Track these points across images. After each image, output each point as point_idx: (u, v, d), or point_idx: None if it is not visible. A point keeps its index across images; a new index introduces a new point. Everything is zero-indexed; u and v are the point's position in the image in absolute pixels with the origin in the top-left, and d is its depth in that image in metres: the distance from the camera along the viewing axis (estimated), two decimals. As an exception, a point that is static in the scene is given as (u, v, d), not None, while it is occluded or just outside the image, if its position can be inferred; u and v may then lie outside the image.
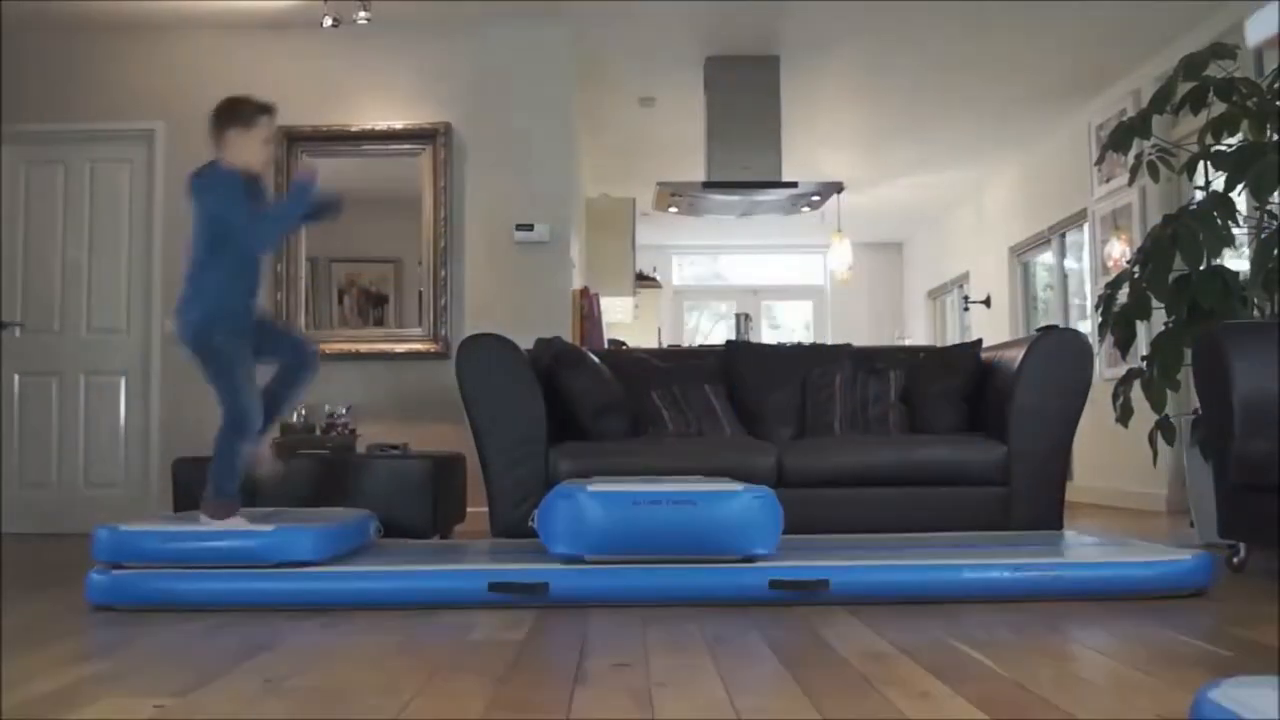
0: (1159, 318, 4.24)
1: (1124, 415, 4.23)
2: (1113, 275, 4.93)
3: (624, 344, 7.21)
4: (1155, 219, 5.01)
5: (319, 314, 5.40)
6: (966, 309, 9.29)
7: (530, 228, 5.32)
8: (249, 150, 3.18)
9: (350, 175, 5.44)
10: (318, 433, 4.50)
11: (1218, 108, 4.01)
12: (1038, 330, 4.13)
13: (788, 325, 11.51)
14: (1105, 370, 5.74)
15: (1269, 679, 1.14)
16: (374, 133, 5.36)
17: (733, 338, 8.10)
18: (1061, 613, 2.50)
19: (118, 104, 5.41)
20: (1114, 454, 5.85)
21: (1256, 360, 3.24)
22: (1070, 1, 5.17)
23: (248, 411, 3.03)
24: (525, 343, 4.15)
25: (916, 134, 7.43)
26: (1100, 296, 4.44)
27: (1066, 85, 6.35)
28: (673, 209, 6.75)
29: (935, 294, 10.36)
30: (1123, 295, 4.25)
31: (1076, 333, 4.05)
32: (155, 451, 5.22)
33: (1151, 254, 4.05)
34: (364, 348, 5.31)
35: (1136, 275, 4.17)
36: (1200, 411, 3.75)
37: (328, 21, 5.06)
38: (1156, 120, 4.35)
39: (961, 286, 9.55)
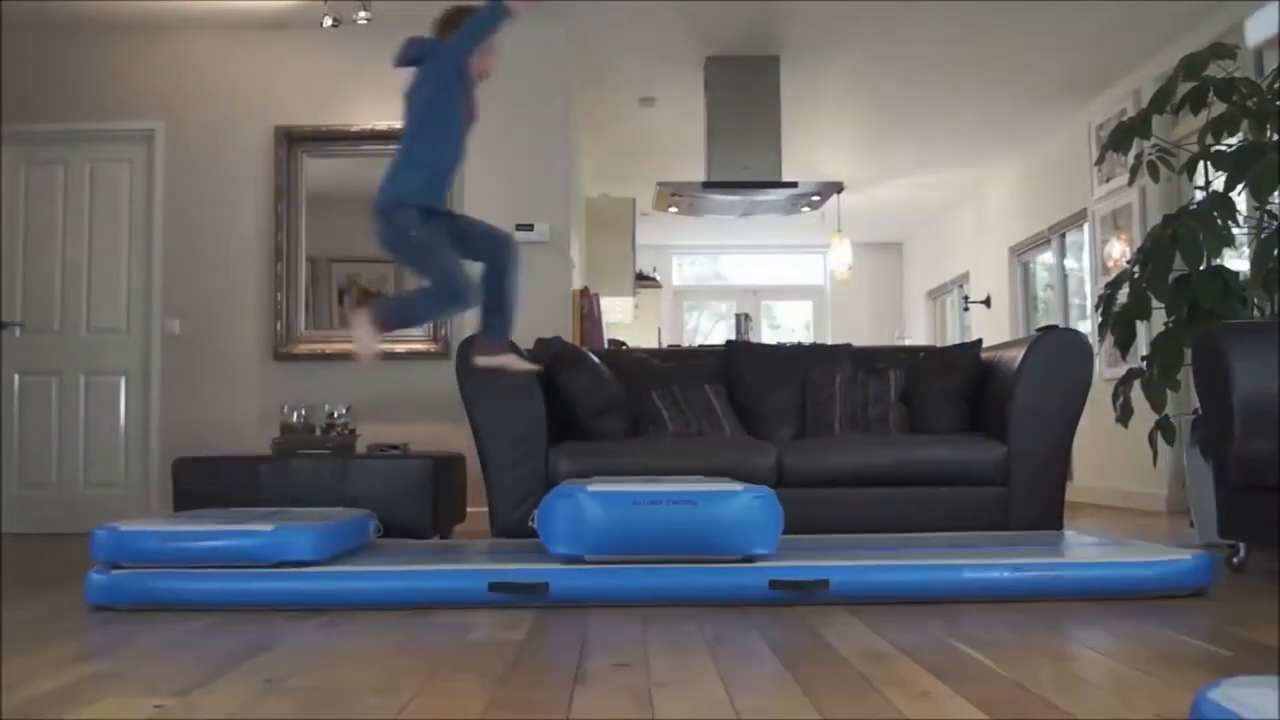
0: (1159, 318, 4.23)
1: (1124, 415, 4.23)
2: (1113, 275, 4.93)
3: (624, 344, 7.21)
4: (1155, 219, 5.01)
5: (319, 314, 5.40)
6: (966, 309, 9.29)
7: (530, 228, 5.32)
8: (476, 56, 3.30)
9: (350, 175, 5.45)
10: (318, 433, 4.50)
11: (1218, 108, 4.01)
12: (1038, 330, 4.13)
13: (788, 325, 11.51)
14: (1105, 370, 5.74)
15: (1269, 679, 1.14)
16: (374, 133, 5.36)
17: (733, 338, 8.10)
18: (1061, 613, 2.50)
19: (118, 104, 5.41)
20: (1114, 454, 5.85)
21: (1256, 360, 3.24)
22: (1070, 1, 5.17)
23: (455, 279, 3.10)
24: (525, 343, 4.14)
25: (916, 134, 7.43)
26: (1100, 296, 4.44)
27: (1066, 85, 6.35)
28: (673, 209, 6.75)
29: (935, 294, 10.37)
30: (1123, 295, 4.25)
31: (1076, 333, 4.05)
32: (155, 451, 5.22)
33: (1151, 254, 4.05)
34: (364, 348, 5.30)
35: (1136, 275, 4.17)
36: (1200, 411, 3.75)
37: (328, 21, 5.06)
38: (1156, 120, 4.35)
39: (961, 286, 9.55)
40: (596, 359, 4.26)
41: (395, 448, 4.43)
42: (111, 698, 1.74)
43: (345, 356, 5.27)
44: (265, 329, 5.32)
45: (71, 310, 5.35)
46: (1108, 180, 6.31)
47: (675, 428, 4.14)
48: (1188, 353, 3.78)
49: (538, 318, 5.09)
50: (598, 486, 2.79)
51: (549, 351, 4.15)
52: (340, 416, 4.58)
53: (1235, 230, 3.98)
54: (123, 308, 5.37)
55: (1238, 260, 4.43)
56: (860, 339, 8.77)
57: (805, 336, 10.93)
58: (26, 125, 5.37)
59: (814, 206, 6.86)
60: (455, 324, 5.27)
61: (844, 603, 2.62)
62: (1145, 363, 4.13)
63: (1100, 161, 5.21)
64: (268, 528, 2.75)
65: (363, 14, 5.05)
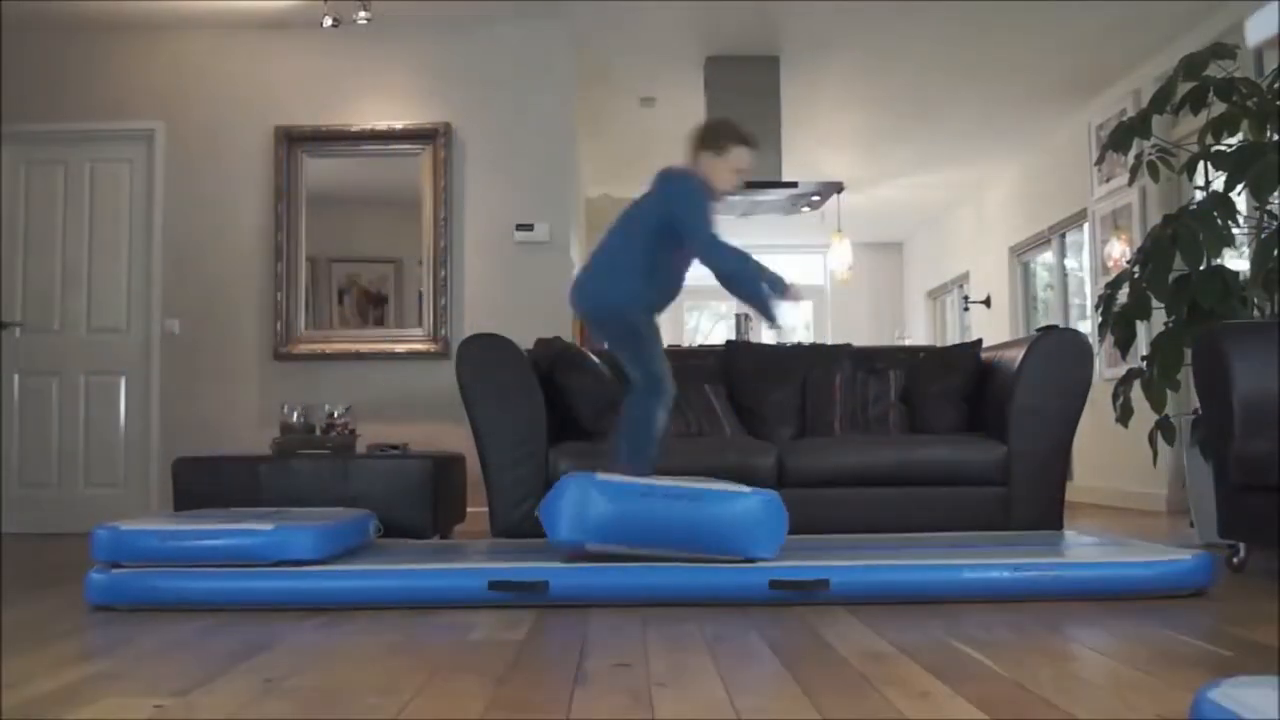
0: (1159, 318, 4.24)
1: (1124, 415, 4.24)
2: (1113, 275, 4.93)
3: (624, 344, 7.19)
4: (1155, 219, 5.01)
5: (319, 314, 5.40)
6: (966, 309, 9.29)
7: (530, 228, 5.33)
8: (716, 175, 3.32)
9: (350, 175, 5.45)
10: (318, 433, 4.50)
11: (1218, 108, 4.01)
12: (1038, 330, 4.13)
13: (787, 325, 11.49)
14: (1105, 370, 5.74)
15: (1269, 679, 1.14)
16: (374, 133, 5.37)
17: (733, 338, 8.09)
18: (1061, 613, 2.49)
19: (118, 104, 5.41)
20: (1114, 454, 5.85)
21: (1256, 360, 3.24)
22: (1070, 1, 5.17)
23: (663, 377, 3.22)
24: (525, 343, 4.15)
25: (916, 134, 7.43)
26: (1100, 296, 4.44)
27: (1066, 85, 6.35)
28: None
29: (935, 294, 10.37)
30: (1123, 295, 4.25)
31: (1076, 333, 4.05)
32: (155, 451, 5.23)
33: (1151, 254, 4.05)
34: (364, 348, 5.31)
35: (1136, 275, 4.17)
36: (1200, 411, 3.75)
37: (328, 21, 5.06)
38: (1156, 120, 4.35)
39: (961, 286, 9.55)
40: (596, 359, 4.26)
41: (395, 448, 4.43)
42: (111, 698, 1.74)
43: (345, 357, 5.29)
44: (265, 329, 5.32)
45: (71, 310, 5.36)
46: (1108, 180, 6.31)
47: (675, 428, 4.13)
48: (1188, 353, 3.78)
49: (538, 318, 5.10)
50: (605, 476, 2.80)
51: (549, 351, 4.15)
52: (340, 416, 4.58)
53: (1235, 230, 3.98)
54: (123, 308, 5.37)
55: (1238, 260, 4.43)
56: (860, 339, 8.77)
57: (805, 336, 10.93)
58: (26, 125, 5.37)
59: (814, 206, 6.86)
60: (455, 324, 5.27)
61: (844, 603, 2.62)
62: (1145, 363, 4.13)
63: (1100, 161, 5.21)
64: (267, 527, 2.75)
65: (363, 14, 5.05)
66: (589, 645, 2.15)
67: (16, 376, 5.32)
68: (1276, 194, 3.78)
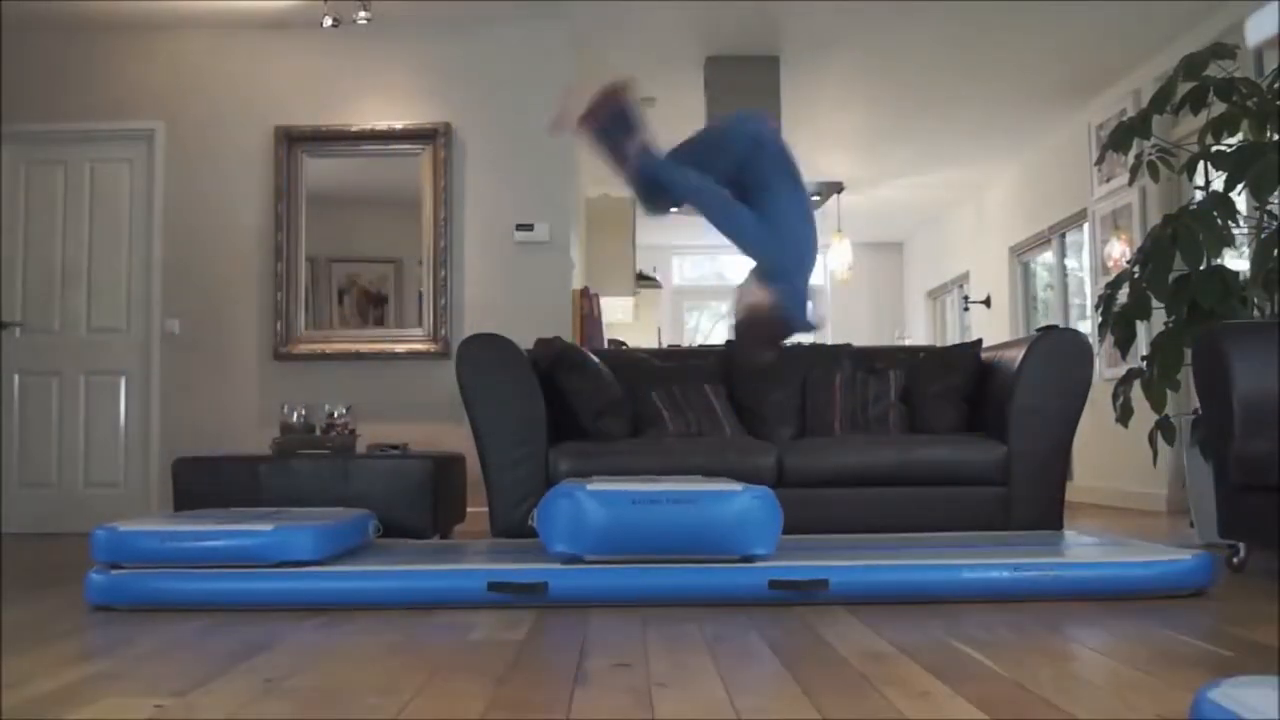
0: (1159, 318, 4.24)
1: (1124, 415, 4.24)
2: (1113, 275, 4.93)
3: (624, 344, 7.21)
4: (1155, 219, 5.01)
5: (319, 314, 5.40)
6: (966, 309, 9.29)
7: (530, 228, 5.33)
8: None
9: (350, 175, 5.45)
10: (318, 433, 4.49)
11: (1218, 108, 4.01)
12: (1038, 330, 4.13)
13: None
14: (1105, 370, 5.74)
15: (1269, 679, 1.14)
16: (374, 133, 5.37)
17: (733, 338, 8.09)
18: (1061, 613, 2.50)
19: (118, 104, 5.42)
20: (1114, 454, 5.85)
21: (1256, 360, 3.24)
22: (1070, 1, 5.17)
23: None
24: (525, 343, 4.15)
25: (916, 134, 7.43)
26: (1100, 296, 4.44)
27: (1066, 85, 6.35)
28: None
29: (935, 294, 10.37)
30: (1123, 295, 4.25)
31: (1076, 333, 4.05)
32: (155, 451, 5.23)
33: (1151, 254, 4.05)
34: (364, 348, 5.31)
35: (1136, 275, 4.17)
36: (1200, 411, 3.75)
37: (328, 21, 5.06)
38: (1156, 120, 4.35)
39: (961, 286, 9.55)
40: (597, 359, 4.26)
41: (395, 448, 4.43)
42: (111, 698, 1.74)
43: (345, 357, 5.29)
44: (265, 329, 5.32)
45: (71, 310, 5.36)
46: (1108, 180, 6.31)
47: (675, 428, 4.14)
48: (1188, 353, 3.78)
49: (538, 318, 5.10)
50: (597, 485, 2.79)
51: (549, 351, 4.15)
52: (340, 416, 4.58)
53: (1235, 230, 3.98)
54: (123, 308, 5.37)
55: (1238, 260, 4.43)
56: (860, 339, 8.77)
57: (805, 336, 10.92)
58: (26, 125, 5.37)
59: (814, 206, 6.86)
60: (455, 324, 5.28)
61: (843, 603, 2.62)
62: (1145, 363, 4.13)
63: (1100, 161, 5.21)
64: (267, 528, 2.75)
65: (363, 14, 5.05)
66: (589, 645, 2.15)
67: (16, 376, 5.32)
68: (1276, 194, 3.78)
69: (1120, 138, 4.32)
